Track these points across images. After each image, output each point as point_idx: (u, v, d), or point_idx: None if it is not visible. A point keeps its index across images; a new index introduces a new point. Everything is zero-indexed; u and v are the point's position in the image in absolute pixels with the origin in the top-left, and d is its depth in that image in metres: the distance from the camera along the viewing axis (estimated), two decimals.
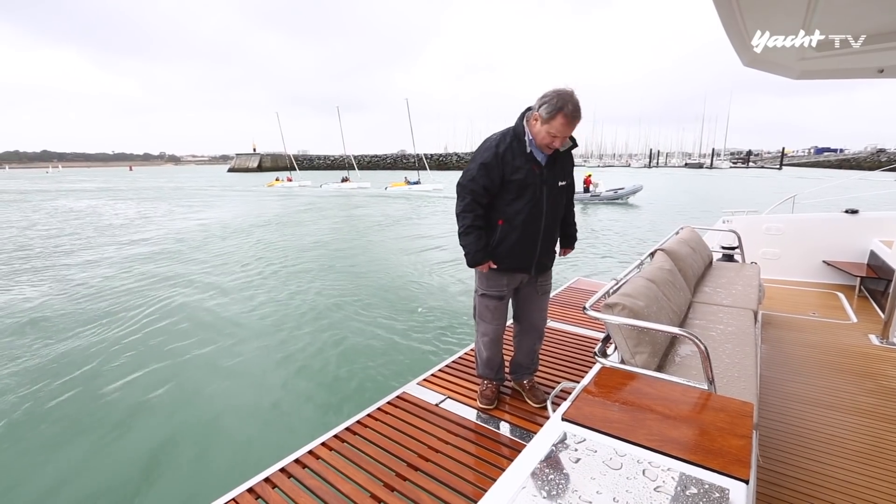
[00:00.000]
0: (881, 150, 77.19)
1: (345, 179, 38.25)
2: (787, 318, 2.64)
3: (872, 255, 4.32)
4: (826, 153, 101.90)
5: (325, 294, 7.44)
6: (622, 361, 1.87)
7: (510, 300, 2.48)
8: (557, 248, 2.47)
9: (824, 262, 4.58)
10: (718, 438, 1.21)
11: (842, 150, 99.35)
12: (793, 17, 1.87)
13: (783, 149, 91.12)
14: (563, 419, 1.38)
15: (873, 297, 4.02)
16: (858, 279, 4.13)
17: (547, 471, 1.16)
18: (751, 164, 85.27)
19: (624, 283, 2.15)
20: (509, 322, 2.58)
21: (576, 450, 1.23)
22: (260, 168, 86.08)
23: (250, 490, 2.04)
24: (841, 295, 4.15)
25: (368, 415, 2.53)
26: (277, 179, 42.02)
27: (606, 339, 1.96)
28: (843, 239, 4.54)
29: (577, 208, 19.25)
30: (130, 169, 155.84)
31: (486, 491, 1.89)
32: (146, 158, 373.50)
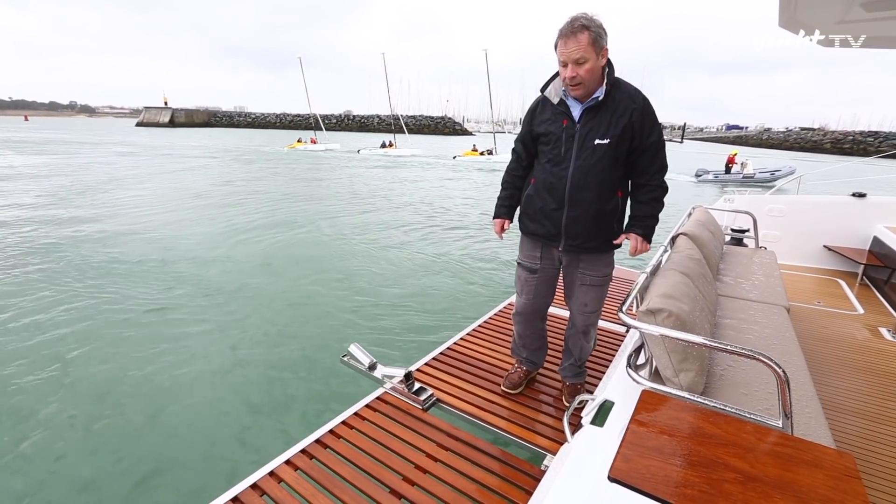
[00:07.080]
0: (767, 129, 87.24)
1: (387, 145, 31.22)
2: (791, 306, 2.43)
3: (876, 241, 4.02)
4: (734, 129, 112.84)
5: None
6: (655, 376, 1.61)
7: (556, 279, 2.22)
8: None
9: (825, 246, 4.30)
10: None
11: (746, 128, 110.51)
12: None
13: (685, 123, 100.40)
14: (611, 479, 1.07)
15: (875, 285, 3.79)
16: (862, 266, 3.91)
17: None
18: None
19: (658, 278, 1.82)
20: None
21: None
22: (172, 123, 77.46)
23: None
24: (842, 282, 3.89)
25: (343, 422, 2.14)
26: (300, 141, 34.35)
27: (639, 350, 1.69)
28: (847, 223, 4.22)
29: (715, 189, 16.27)
30: (26, 119, 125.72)
31: None
32: (52, 108, 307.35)
